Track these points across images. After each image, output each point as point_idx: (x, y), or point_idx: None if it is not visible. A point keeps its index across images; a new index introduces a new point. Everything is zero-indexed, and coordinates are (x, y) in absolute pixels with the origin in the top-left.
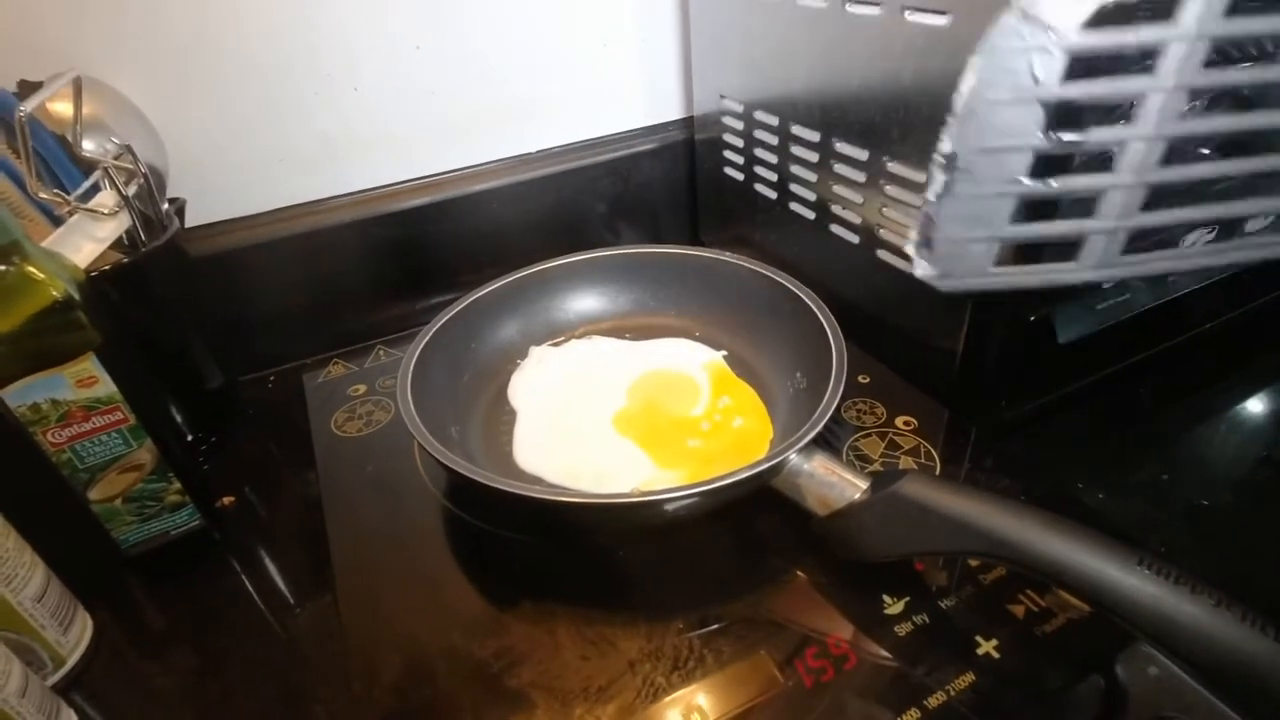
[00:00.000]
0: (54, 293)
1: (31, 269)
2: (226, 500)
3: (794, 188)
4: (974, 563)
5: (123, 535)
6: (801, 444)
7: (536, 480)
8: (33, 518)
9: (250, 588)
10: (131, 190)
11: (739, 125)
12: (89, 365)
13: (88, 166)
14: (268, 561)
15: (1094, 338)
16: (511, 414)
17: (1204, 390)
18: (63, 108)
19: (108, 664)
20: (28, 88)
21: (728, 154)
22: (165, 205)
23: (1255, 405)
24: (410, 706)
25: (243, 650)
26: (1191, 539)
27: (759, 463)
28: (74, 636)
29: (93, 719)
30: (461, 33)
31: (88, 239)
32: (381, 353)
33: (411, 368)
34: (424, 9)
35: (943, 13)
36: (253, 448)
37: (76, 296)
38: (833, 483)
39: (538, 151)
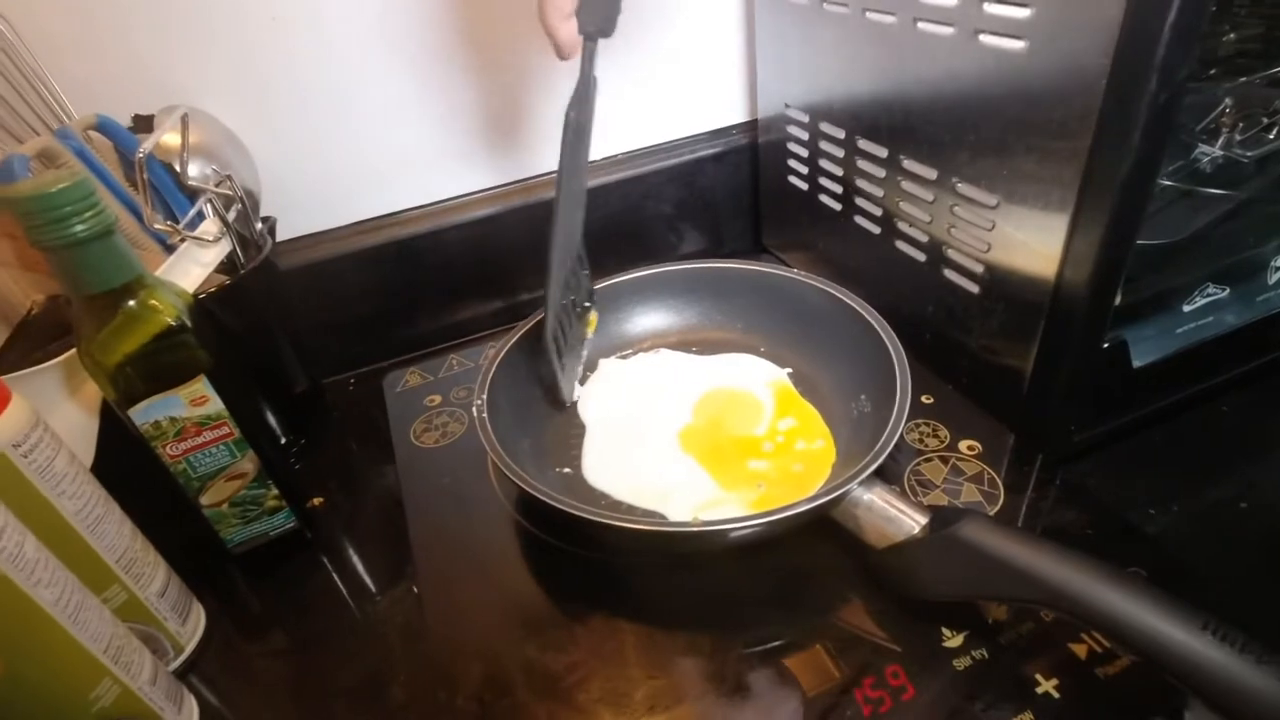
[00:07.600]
0: (169, 319)
1: (154, 301)
2: (316, 501)
3: (859, 201)
4: None
5: (229, 536)
6: (862, 477)
7: (604, 496)
8: (155, 521)
9: (339, 583)
10: (232, 215)
11: (804, 135)
12: (201, 386)
13: (192, 193)
14: (354, 558)
15: (1171, 360)
16: (581, 428)
17: None
18: (170, 138)
19: (218, 650)
20: (142, 122)
21: (792, 162)
22: (259, 225)
23: None
24: (490, 715)
25: (334, 638)
26: (1267, 572)
27: (816, 496)
28: (191, 626)
29: (207, 699)
30: (525, 48)
31: (195, 264)
32: (454, 362)
33: (488, 387)
34: (485, 27)
35: (1019, 38)
36: (337, 448)
37: (187, 322)
38: (891, 516)
39: (603, 158)
